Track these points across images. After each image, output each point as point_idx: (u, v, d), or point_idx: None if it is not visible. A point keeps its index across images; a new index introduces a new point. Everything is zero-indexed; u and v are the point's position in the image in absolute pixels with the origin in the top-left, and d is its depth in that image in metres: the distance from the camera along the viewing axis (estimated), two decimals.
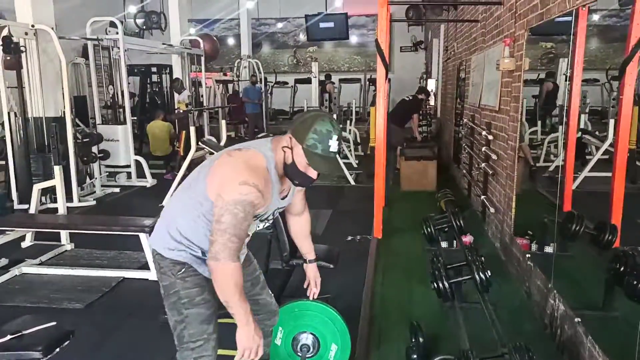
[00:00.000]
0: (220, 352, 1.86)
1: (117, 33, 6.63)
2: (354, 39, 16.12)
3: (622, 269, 2.47)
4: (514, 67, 3.57)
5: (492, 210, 4.15)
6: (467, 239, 4.19)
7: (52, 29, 5.56)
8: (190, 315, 1.72)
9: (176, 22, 9.31)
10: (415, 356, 2.39)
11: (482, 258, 2.76)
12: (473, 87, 5.48)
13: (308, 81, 12.49)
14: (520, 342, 1.96)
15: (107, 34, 6.74)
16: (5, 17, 5.90)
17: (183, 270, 1.71)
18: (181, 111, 7.47)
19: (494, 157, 4.08)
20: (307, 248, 2.16)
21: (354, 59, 17.29)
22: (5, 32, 5.17)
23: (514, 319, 2.89)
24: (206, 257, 1.65)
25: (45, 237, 4.29)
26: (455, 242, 3.91)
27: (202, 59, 9.26)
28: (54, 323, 2.06)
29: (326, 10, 12.43)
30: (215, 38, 11.13)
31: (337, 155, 1.65)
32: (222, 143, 6.92)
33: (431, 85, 10.99)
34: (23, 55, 5.44)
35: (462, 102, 6.32)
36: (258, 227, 1.82)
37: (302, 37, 15.40)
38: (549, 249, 3.40)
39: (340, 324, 2.31)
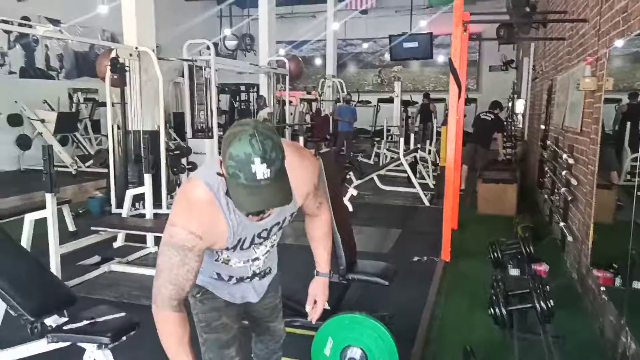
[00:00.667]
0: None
1: (210, 54, 7.16)
2: (440, 58, 15.91)
3: None
4: (595, 87, 3.37)
5: (570, 238, 3.90)
6: (542, 267, 3.96)
7: (153, 50, 6.15)
8: (208, 340, 1.69)
9: (265, 44, 9.83)
10: None
11: (548, 287, 2.62)
12: (557, 107, 5.21)
13: (391, 100, 12.54)
14: None
15: (200, 55, 7.31)
16: (118, 40, 6.63)
17: (200, 293, 1.67)
18: None
19: (574, 182, 3.85)
20: (318, 255, 1.86)
21: (440, 78, 17.03)
22: (113, 54, 5.84)
23: (581, 355, 2.69)
24: (224, 279, 1.64)
25: (135, 239, 4.71)
26: (526, 270, 3.71)
27: (287, 78, 9.67)
28: (123, 314, 2.29)
29: (410, 30, 12.42)
30: (300, 59, 11.55)
31: (277, 181, 1.23)
32: None
33: (520, 106, 10.54)
34: (127, 74, 6.06)
35: (548, 124, 6.01)
36: (255, 251, 1.63)
37: (387, 56, 15.49)
38: (637, 285, 3.13)
39: (389, 341, 2.32)
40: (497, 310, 2.49)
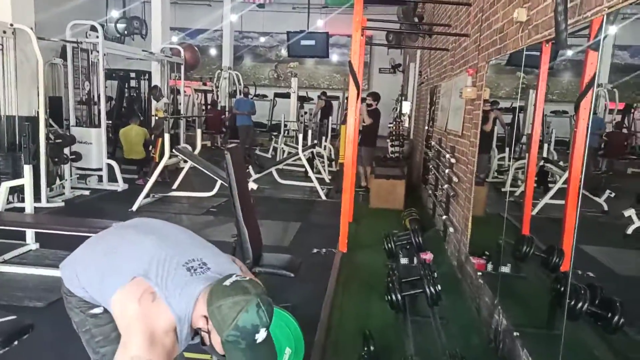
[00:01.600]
0: (187, 354, 1.90)
1: (97, 37, 6.68)
2: (334, 57, 16.45)
3: (562, 290, 2.66)
4: (475, 96, 3.79)
5: (451, 230, 4.34)
6: (428, 256, 4.35)
7: (32, 29, 5.59)
8: (107, 354, 1.60)
9: (158, 30, 9.39)
10: None
11: (435, 273, 2.92)
12: (441, 112, 5.73)
13: (287, 95, 12.71)
14: (457, 350, 2.10)
15: (87, 37, 6.79)
16: None
17: (95, 309, 1.60)
18: (157, 118, 7.52)
19: (455, 179, 4.29)
20: None
21: (334, 76, 17.62)
22: None
23: (463, 333, 3.04)
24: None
25: (11, 235, 4.27)
26: (415, 258, 4.07)
27: (182, 67, 9.35)
28: (14, 317, 2.11)
29: (308, 28, 12.68)
30: (196, 48, 11.23)
31: (269, 337, 1.34)
32: (197, 151, 7.00)
33: (406, 107, 11.31)
34: (0, 53, 5.44)
35: (432, 126, 6.57)
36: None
37: (284, 52, 15.63)
38: (505, 269, 3.60)
39: (295, 328, 2.42)
40: (392, 296, 2.72)
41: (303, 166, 7.74)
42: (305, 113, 10.98)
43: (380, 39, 12.18)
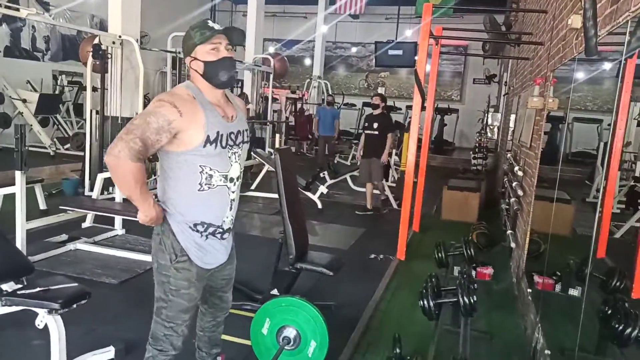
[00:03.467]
0: (226, 337, 2.11)
1: None
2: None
3: (609, 313, 2.48)
4: (542, 106, 3.62)
5: (513, 245, 4.15)
6: (488, 271, 4.22)
7: (137, 40, 6.29)
8: (173, 302, 1.92)
9: (252, 41, 9.99)
10: None
11: (475, 285, 2.85)
12: (518, 123, 5.48)
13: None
14: (465, 356, 2.06)
15: None
16: (107, 27, 6.76)
17: (178, 259, 1.87)
18: None
19: (520, 193, 4.10)
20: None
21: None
22: (96, 41, 5.97)
23: (504, 349, 2.93)
24: (197, 231, 1.87)
25: (104, 221, 4.86)
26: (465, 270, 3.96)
27: (271, 76, 9.84)
28: (76, 284, 2.46)
29: (396, 38, 12.69)
30: (285, 58, 11.73)
31: (226, 31, 1.84)
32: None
33: (495, 118, 10.87)
34: (109, 61, 6.19)
35: (512, 138, 6.29)
36: (233, 160, 1.91)
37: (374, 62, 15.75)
38: (574, 292, 3.38)
39: (320, 323, 2.52)
40: (425, 302, 2.71)
41: None
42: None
43: (476, 48, 11.82)
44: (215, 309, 2.25)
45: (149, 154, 1.72)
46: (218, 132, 1.81)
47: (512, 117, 6.64)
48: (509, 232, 4.48)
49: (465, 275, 2.81)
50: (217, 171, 1.86)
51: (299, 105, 13.43)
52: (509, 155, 5.84)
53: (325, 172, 7.75)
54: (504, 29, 7.73)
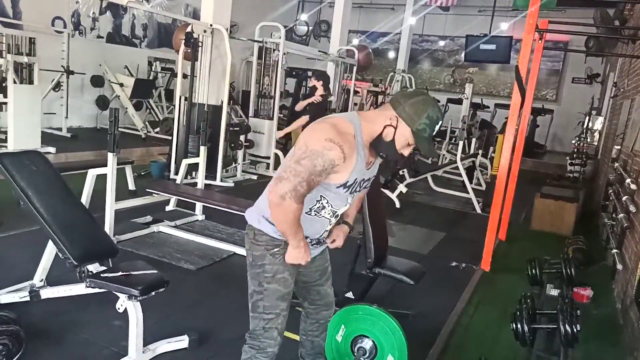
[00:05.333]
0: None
1: (280, 37, 7.31)
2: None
3: None
4: None
5: (620, 267, 3.68)
6: (586, 292, 3.79)
7: (227, 29, 6.38)
8: (269, 290, 1.86)
9: (337, 32, 9.86)
10: None
11: (578, 311, 2.51)
12: (631, 129, 4.88)
13: (460, 102, 12.18)
14: None
15: (271, 37, 7.48)
16: (200, 16, 6.97)
17: (277, 249, 1.85)
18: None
19: (632, 209, 3.62)
20: (348, 212, 2.09)
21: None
22: (188, 29, 6.12)
23: None
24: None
25: (186, 206, 4.97)
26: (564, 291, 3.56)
27: (354, 68, 9.66)
28: (156, 271, 2.46)
29: (490, 31, 11.97)
30: (369, 50, 11.45)
31: None
32: None
33: (598, 123, 9.95)
34: (199, 49, 6.33)
35: (621, 145, 5.64)
36: (348, 201, 1.89)
37: (463, 56, 15.04)
38: None
39: (399, 337, 2.33)
40: (519, 326, 2.43)
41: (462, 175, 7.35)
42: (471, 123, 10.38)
43: (578, 45, 10.88)
44: (317, 308, 2.18)
45: (307, 194, 1.72)
46: (356, 180, 1.80)
47: (621, 121, 5.97)
48: (614, 251, 3.99)
49: (567, 300, 2.48)
50: (332, 206, 1.86)
51: (380, 99, 13.15)
52: (616, 164, 5.23)
53: (405, 170, 7.47)
54: (617, 24, 6.95)
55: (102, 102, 9.66)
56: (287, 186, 1.64)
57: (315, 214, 1.85)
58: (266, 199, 1.84)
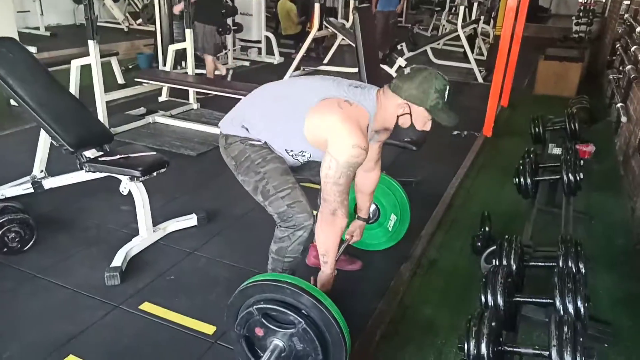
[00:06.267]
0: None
1: None
2: None
3: None
4: None
5: (624, 119, 3.63)
6: (589, 148, 3.78)
7: None
8: (268, 171, 1.77)
9: None
10: (479, 244, 2.40)
11: (581, 162, 2.51)
12: None
13: None
14: (571, 235, 1.82)
15: None
16: None
17: (253, 141, 1.80)
18: None
19: None
20: (363, 205, 2.16)
21: None
22: None
23: (608, 232, 2.66)
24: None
25: (178, 95, 4.83)
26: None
27: None
28: (154, 153, 2.43)
29: None
30: None
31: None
32: (348, 25, 6.81)
33: None
34: None
35: None
36: None
37: None
38: None
39: (400, 196, 2.36)
40: (521, 179, 2.44)
41: (463, 46, 7.04)
42: None
43: None
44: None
45: None
46: None
47: None
48: (618, 105, 3.92)
49: (570, 151, 2.46)
50: (313, 158, 1.84)
51: None
52: (626, 15, 4.95)
53: (403, 44, 7.15)
54: None
55: None
56: (335, 204, 1.68)
57: (293, 156, 1.83)
58: (244, 113, 1.84)
